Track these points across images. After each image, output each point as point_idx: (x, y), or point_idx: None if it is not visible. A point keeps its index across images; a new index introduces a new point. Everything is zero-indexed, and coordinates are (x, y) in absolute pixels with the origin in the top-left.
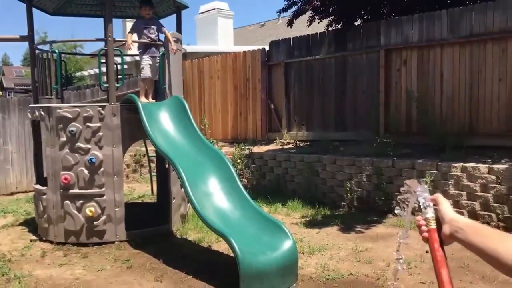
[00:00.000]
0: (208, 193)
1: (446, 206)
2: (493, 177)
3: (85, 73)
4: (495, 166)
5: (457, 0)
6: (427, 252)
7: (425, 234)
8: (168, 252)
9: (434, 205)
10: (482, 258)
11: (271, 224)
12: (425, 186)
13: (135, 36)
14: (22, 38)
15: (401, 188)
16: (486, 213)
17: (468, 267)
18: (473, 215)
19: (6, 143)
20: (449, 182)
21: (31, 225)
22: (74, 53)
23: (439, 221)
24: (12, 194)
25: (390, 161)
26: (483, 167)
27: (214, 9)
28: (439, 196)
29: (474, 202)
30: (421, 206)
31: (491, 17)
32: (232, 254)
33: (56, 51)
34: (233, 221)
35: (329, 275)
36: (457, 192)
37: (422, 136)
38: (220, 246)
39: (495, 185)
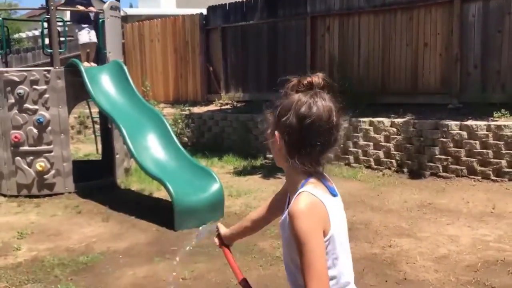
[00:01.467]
0: (147, 147)
1: (222, 230)
2: (394, 129)
3: (23, 35)
4: (396, 120)
5: None
6: None
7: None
8: (114, 200)
9: (217, 229)
10: (247, 234)
11: (202, 171)
12: (206, 226)
13: None
14: None
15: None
16: (388, 160)
17: (363, 201)
18: (377, 162)
19: None
20: (359, 135)
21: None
22: (17, 19)
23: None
24: None
25: None
26: (387, 121)
27: None
28: (220, 226)
29: (379, 151)
30: (201, 235)
31: None
32: (170, 200)
33: (0, 18)
34: (169, 169)
35: (250, 211)
36: (365, 143)
37: (342, 95)
38: (160, 194)
39: (395, 136)
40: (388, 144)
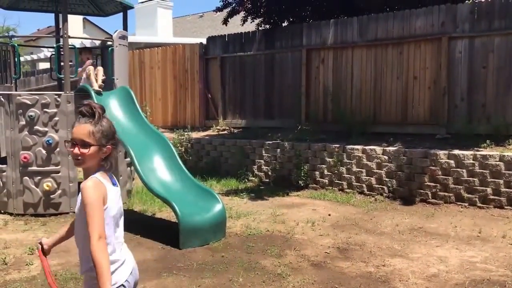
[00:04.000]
0: (153, 168)
1: (44, 241)
2: (386, 157)
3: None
4: (388, 148)
5: (367, 6)
6: (329, 215)
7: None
8: None
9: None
10: (61, 242)
11: (205, 192)
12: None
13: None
14: None
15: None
16: (380, 186)
17: (358, 224)
18: (370, 188)
19: None
20: (353, 162)
21: None
22: (30, 45)
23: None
24: None
25: (307, 144)
26: (379, 149)
27: None
28: (42, 240)
29: (371, 178)
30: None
31: (391, 25)
32: (172, 220)
33: (16, 45)
34: (174, 190)
35: (250, 232)
36: (358, 169)
37: (336, 124)
38: (162, 215)
39: (387, 163)
40: (380, 171)
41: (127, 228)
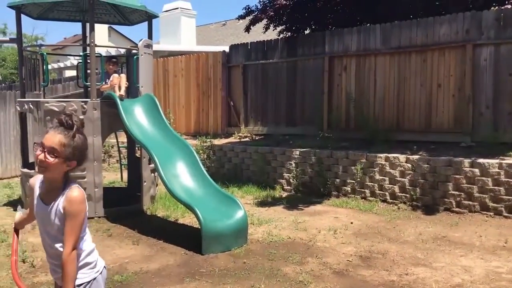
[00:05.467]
0: (176, 174)
1: (16, 218)
2: (409, 165)
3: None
4: (411, 157)
5: (390, 14)
6: (351, 223)
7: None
8: (141, 225)
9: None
10: (27, 223)
11: (227, 198)
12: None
13: None
14: (11, 40)
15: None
16: (403, 194)
17: (380, 233)
18: (393, 196)
19: None
20: (375, 169)
21: (14, 206)
22: (57, 54)
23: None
24: None
25: (329, 152)
26: (402, 157)
27: (177, 8)
28: (17, 215)
29: (394, 186)
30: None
31: (415, 32)
32: (195, 226)
33: (44, 53)
34: (197, 196)
35: (272, 239)
36: (381, 177)
37: (358, 132)
38: (185, 220)
39: (410, 171)
40: (403, 179)
41: (150, 233)
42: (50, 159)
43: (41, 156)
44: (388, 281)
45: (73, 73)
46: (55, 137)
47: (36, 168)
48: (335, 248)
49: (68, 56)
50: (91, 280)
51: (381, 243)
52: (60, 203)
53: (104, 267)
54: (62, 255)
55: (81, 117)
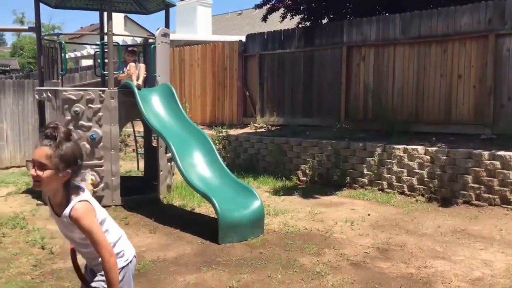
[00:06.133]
0: (193, 164)
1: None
2: (428, 157)
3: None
4: (430, 148)
5: (410, 3)
6: (368, 215)
7: None
8: (158, 214)
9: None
10: None
11: (244, 188)
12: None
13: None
14: (30, 29)
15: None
16: (421, 186)
17: (398, 225)
18: (411, 188)
19: (1, 121)
20: (393, 161)
21: (33, 193)
22: (75, 42)
23: None
24: (7, 168)
25: (346, 143)
26: (420, 149)
27: None
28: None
29: (412, 178)
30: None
31: (435, 22)
32: (211, 215)
33: (63, 42)
34: (214, 186)
35: (288, 229)
36: (399, 169)
37: (376, 123)
38: (201, 210)
39: (429, 163)
40: (421, 171)
41: (166, 222)
42: (40, 172)
43: (32, 172)
44: (406, 274)
45: (89, 62)
46: (41, 151)
47: (32, 184)
48: (352, 239)
49: (85, 45)
50: (118, 269)
51: (399, 235)
52: (67, 215)
53: (134, 256)
54: (103, 264)
55: (99, 106)
